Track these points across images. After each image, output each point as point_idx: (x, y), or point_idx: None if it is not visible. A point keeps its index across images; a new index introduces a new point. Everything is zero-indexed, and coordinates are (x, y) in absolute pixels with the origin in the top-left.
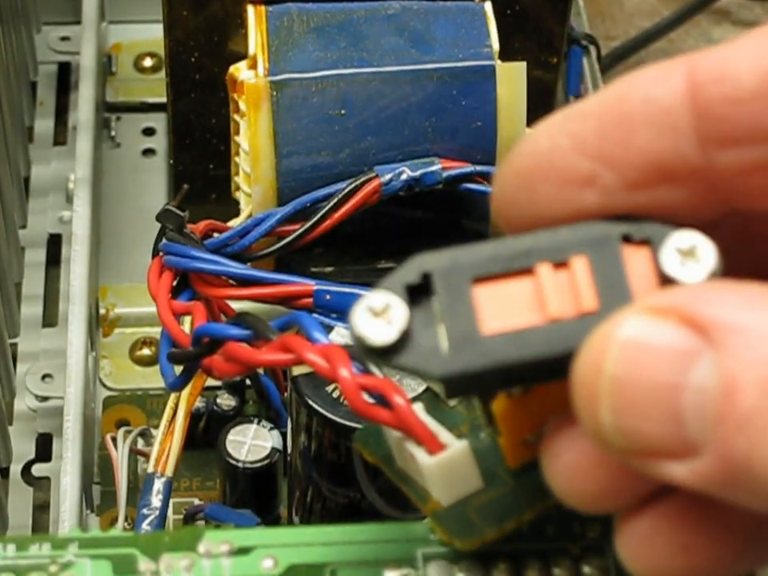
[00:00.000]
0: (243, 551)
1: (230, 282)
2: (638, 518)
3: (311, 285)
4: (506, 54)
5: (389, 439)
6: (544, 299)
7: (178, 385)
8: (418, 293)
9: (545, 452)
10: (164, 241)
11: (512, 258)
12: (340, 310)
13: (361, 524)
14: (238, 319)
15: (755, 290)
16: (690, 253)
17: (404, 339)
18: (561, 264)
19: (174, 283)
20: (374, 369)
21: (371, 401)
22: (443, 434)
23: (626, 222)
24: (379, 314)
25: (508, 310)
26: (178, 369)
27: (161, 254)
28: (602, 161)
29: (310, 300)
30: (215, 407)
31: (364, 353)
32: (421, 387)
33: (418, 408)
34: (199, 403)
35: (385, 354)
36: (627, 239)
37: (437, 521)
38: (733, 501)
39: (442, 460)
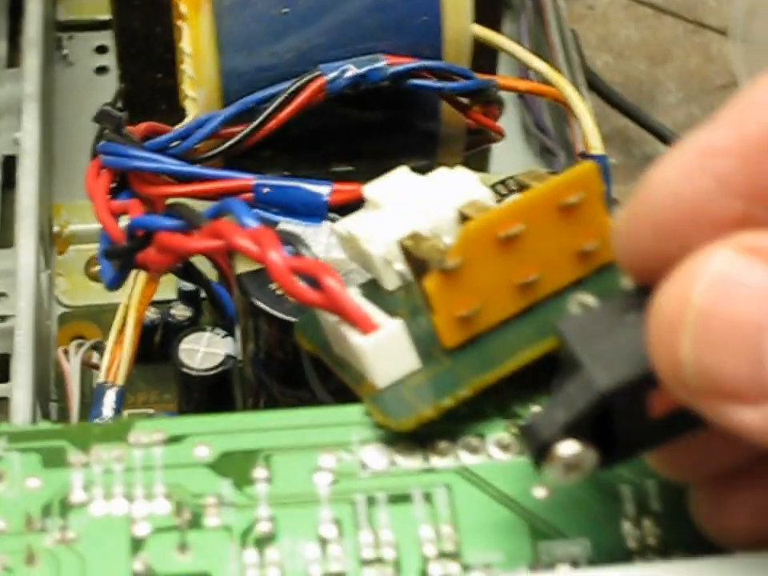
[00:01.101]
0: (175, 440)
1: (170, 180)
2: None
3: (251, 179)
4: None
5: (324, 324)
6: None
7: (116, 283)
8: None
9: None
10: (102, 142)
11: None
12: (281, 204)
13: (294, 410)
14: (171, 210)
15: None
16: None
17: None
18: None
19: (113, 185)
20: (305, 252)
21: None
22: (378, 315)
23: None
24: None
25: None
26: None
27: (98, 154)
28: (755, 200)
29: (251, 195)
30: (170, 318)
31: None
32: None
33: (353, 292)
34: (154, 314)
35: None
36: None
37: (372, 403)
38: None
39: (376, 340)
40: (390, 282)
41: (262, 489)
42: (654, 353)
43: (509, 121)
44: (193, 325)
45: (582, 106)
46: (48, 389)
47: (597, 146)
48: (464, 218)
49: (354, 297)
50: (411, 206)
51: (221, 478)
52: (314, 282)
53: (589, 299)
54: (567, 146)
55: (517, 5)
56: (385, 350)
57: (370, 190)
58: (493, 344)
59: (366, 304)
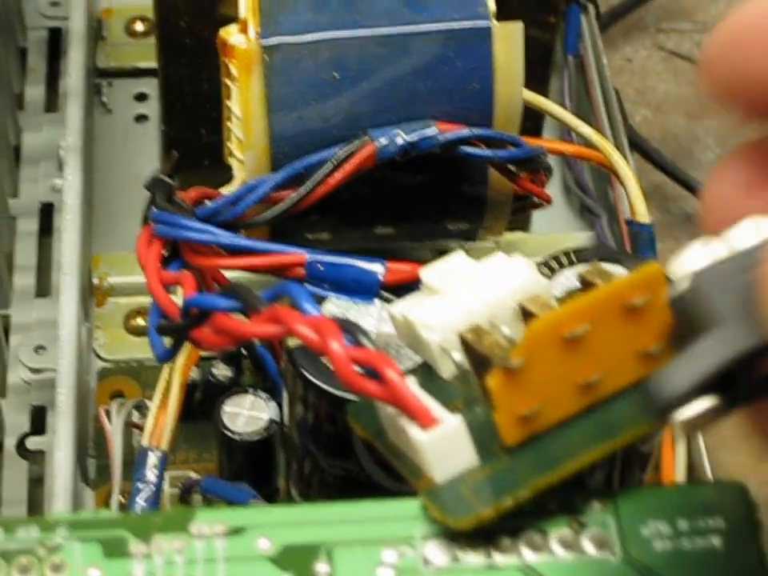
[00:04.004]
0: (237, 531)
1: (221, 251)
2: None
3: (303, 255)
4: (503, 14)
5: (381, 414)
6: None
7: (167, 357)
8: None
9: None
10: (153, 209)
11: None
12: (333, 281)
13: (357, 502)
14: (228, 290)
15: None
16: None
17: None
18: None
19: (165, 253)
20: (366, 342)
21: (363, 374)
22: (437, 409)
23: None
24: None
25: None
26: (168, 340)
27: (149, 223)
28: None
29: (303, 270)
30: (211, 378)
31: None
32: (417, 360)
33: (412, 382)
34: (195, 374)
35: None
36: None
37: (430, 498)
38: None
39: (436, 435)
40: (447, 371)
41: None
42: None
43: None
44: (234, 385)
45: (628, 171)
46: (86, 445)
47: (643, 213)
48: (525, 312)
49: (414, 389)
50: (468, 292)
51: (283, 572)
52: (374, 373)
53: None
54: (609, 207)
55: (560, 62)
56: (444, 445)
57: (426, 273)
58: (554, 443)
59: (425, 396)
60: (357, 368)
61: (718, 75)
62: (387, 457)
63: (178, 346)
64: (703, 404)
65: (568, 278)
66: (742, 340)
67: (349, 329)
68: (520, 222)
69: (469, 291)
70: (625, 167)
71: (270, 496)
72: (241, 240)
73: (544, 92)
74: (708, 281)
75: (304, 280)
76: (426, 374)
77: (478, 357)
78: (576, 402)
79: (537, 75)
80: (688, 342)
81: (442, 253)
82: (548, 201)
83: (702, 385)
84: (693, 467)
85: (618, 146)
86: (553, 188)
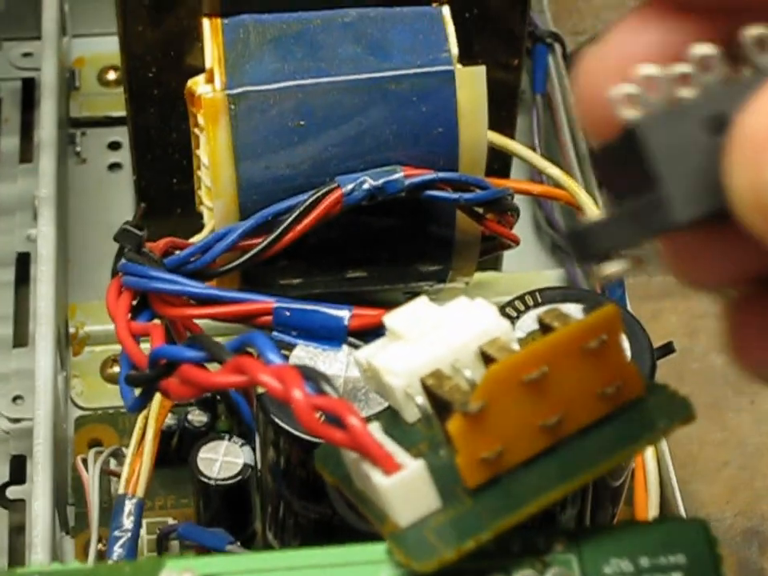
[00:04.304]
0: None
1: (190, 301)
2: None
3: (271, 302)
4: (467, 57)
5: (346, 460)
6: None
7: (137, 407)
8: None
9: None
10: (122, 261)
11: None
12: (300, 327)
13: (323, 548)
14: (194, 341)
15: None
16: None
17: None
18: None
19: (134, 303)
20: (328, 389)
21: (326, 422)
22: (399, 454)
23: None
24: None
25: None
26: (139, 390)
27: (119, 274)
28: None
29: (270, 318)
30: (187, 424)
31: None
32: (383, 404)
33: (375, 428)
34: (171, 420)
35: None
36: None
37: (395, 542)
38: None
39: (398, 481)
40: (411, 415)
41: None
42: (735, 177)
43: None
44: (209, 430)
45: (595, 210)
46: (66, 493)
47: None
48: (486, 357)
49: (377, 434)
50: (431, 337)
51: None
52: (338, 420)
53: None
54: None
55: (529, 101)
56: (407, 490)
57: (391, 319)
58: (516, 484)
59: (388, 442)
60: (320, 415)
61: (592, 121)
62: (354, 501)
63: (148, 396)
64: (623, 265)
65: (534, 318)
66: (687, 212)
67: (312, 376)
68: (491, 262)
69: (432, 336)
70: (592, 206)
71: (248, 540)
72: (208, 290)
73: (510, 133)
74: (658, 129)
75: (272, 328)
76: (392, 418)
77: (440, 402)
78: (537, 442)
79: (502, 116)
80: (623, 186)
81: (414, 295)
82: (516, 242)
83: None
84: (666, 501)
85: (587, 184)
86: (524, 226)
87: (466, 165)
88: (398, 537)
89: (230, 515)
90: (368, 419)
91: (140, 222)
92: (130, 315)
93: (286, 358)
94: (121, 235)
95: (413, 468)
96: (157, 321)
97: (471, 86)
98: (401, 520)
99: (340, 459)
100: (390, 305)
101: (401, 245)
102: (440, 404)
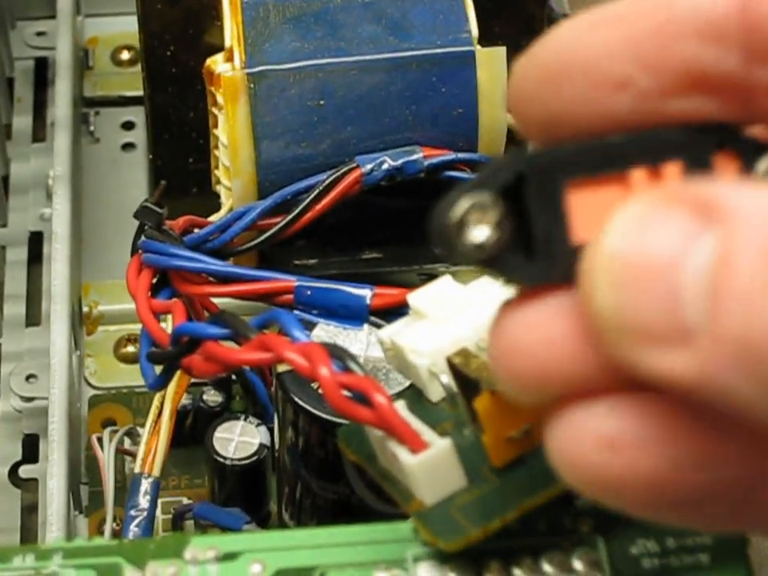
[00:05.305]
0: (230, 557)
1: (210, 279)
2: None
3: (292, 281)
4: (486, 39)
5: (371, 438)
6: None
7: (158, 385)
8: (511, 192)
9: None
10: (142, 238)
11: (605, 160)
12: (321, 306)
13: (348, 526)
14: (217, 318)
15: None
16: None
17: (495, 241)
18: (654, 170)
19: (154, 281)
20: (354, 367)
21: (352, 399)
22: (426, 433)
23: (715, 130)
24: (477, 218)
25: (599, 219)
26: (159, 368)
27: (139, 251)
28: (638, 65)
29: (291, 296)
30: (202, 404)
31: (456, 249)
32: (405, 383)
33: (400, 406)
34: (185, 400)
35: (475, 253)
36: (721, 148)
37: (420, 520)
38: (727, 399)
39: (425, 459)
40: (435, 394)
41: None
42: (580, 295)
43: None
44: (224, 410)
45: None
46: (79, 472)
47: None
48: None
49: (403, 413)
50: (456, 316)
51: None
52: (363, 398)
53: None
54: None
55: None
56: (433, 468)
57: (415, 298)
58: (541, 464)
59: (414, 420)
60: (346, 393)
61: (527, 111)
62: (378, 480)
63: (169, 373)
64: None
65: None
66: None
67: (337, 354)
68: None
69: (456, 315)
70: None
71: (263, 520)
72: (230, 267)
73: None
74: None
75: (293, 306)
76: (415, 397)
77: (466, 380)
78: None
79: None
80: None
81: (429, 276)
82: None
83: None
84: None
85: None
86: None
87: (486, 146)
88: (424, 515)
89: (245, 495)
90: (392, 398)
91: (160, 199)
92: (150, 293)
93: (309, 336)
94: (141, 213)
95: (440, 446)
96: (176, 299)
97: (491, 66)
98: (427, 498)
99: (364, 438)
100: (406, 286)
101: (418, 226)
102: (466, 383)
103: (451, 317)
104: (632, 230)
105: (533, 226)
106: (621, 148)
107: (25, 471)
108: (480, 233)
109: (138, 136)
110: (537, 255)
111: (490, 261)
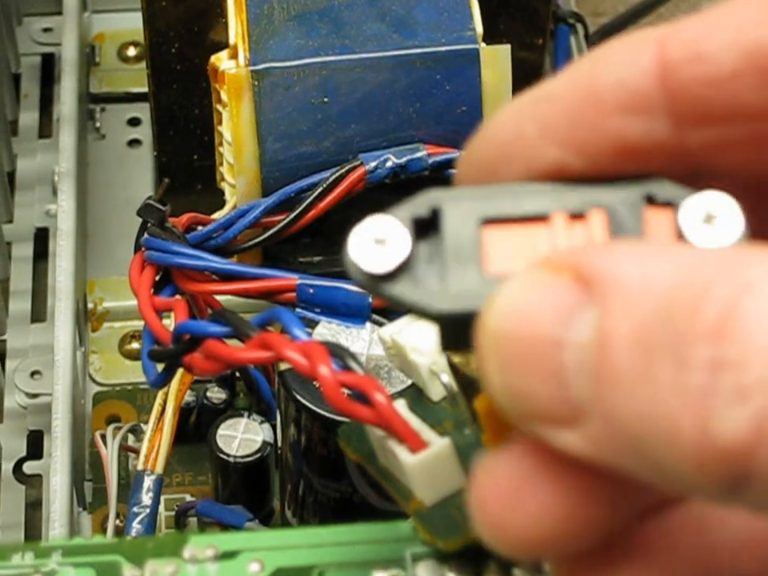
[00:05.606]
0: (229, 555)
1: (213, 276)
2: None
3: (294, 279)
4: (491, 36)
5: (371, 437)
6: (554, 249)
7: (160, 382)
8: (425, 227)
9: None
10: (145, 236)
11: (528, 203)
12: (324, 304)
13: (348, 525)
14: (218, 316)
15: (656, 244)
16: (711, 217)
17: (402, 270)
18: (578, 216)
19: (157, 278)
20: (354, 366)
21: (352, 398)
22: (426, 432)
23: (647, 181)
24: (380, 242)
25: (515, 256)
26: (161, 365)
27: (142, 249)
28: (570, 147)
29: (294, 294)
30: (205, 401)
31: (357, 278)
32: (408, 381)
33: (401, 405)
34: (189, 397)
35: (379, 281)
36: (651, 200)
37: (420, 520)
38: (628, 471)
39: (424, 459)
40: (436, 393)
41: None
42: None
43: None
44: (228, 407)
45: None
46: (83, 469)
47: None
48: None
49: (402, 411)
50: None
51: None
52: (363, 397)
53: None
54: None
55: None
56: (432, 468)
57: None
58: None
59: (414, 420)
60: (346, 391)
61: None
62: (378, 479)
63: (171, 371)
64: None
65: None
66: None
67: (338, 353)
68: None
69: None
70: None
71: (266, 518)
72: (232, 265)
73: None
74: None
75: (295, 304)
76: (416, 396)
77: (466, 380)
78: None
79: None
80: None
81: None
82: None
83: None
84: None
85: None
86: None
87: None
88: (423, 515)
89: (249, 493)
90: (392, 397)
91: (164, 196)
92: (152, 290)
93: (309, 335)
94: (144, 210)
95: (439, 446)
96: (179, 296)
97: (496, 64)
98: (426, 498)
99: (364, 436)
100: None
101: None
102: (466, 382)
103: None
104: (513, 306)
105: (446, 259)
106: (544, 194)
107: (29, 467)
108: (388, 258)
109: (144, 132)
110: (449, 286)
111: (392, 285)
